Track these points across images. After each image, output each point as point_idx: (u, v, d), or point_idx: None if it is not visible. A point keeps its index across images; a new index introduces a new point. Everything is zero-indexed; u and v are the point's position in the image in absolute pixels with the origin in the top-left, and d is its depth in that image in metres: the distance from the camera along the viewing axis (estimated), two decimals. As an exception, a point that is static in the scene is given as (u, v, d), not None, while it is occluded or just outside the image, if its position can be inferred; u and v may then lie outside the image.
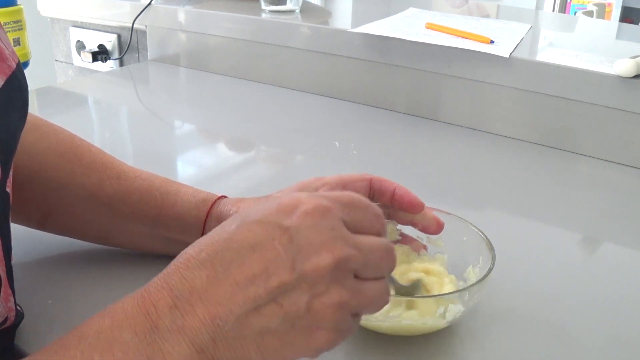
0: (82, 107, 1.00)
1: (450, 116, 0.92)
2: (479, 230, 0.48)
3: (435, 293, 0.46)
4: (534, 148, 0.84)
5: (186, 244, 0.33)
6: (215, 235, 0.32)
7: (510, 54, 0.83)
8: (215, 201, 0.50)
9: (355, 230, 0.33)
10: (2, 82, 0.34)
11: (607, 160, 0.80)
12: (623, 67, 0.75)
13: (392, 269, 0.34)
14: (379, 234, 0.34)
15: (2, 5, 1.01)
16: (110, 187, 0.50)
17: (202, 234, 0.38)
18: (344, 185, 0.45)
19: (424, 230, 0.48)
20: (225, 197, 0.51)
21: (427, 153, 0.84)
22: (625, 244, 0.63)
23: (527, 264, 0.57)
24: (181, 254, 0.32)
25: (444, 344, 0.45)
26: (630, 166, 0.79)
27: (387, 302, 0.34)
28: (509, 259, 0.56)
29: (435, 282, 0.47)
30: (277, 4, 1.09)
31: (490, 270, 0.44)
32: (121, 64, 1.28)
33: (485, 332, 0.47)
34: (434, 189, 0.71)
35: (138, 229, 0.51)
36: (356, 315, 0.32)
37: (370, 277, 0.32)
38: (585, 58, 0.84)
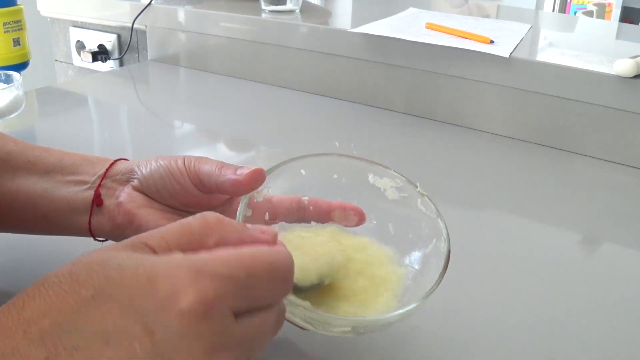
0: (82, 107, 1.00)
1: (450, 116, 0.92)
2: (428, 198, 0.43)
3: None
4: (533, 148, 0.84)
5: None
6: (65, 293, 0.25)
7: (510, 54, 0.83)
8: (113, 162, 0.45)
9: (248, 308, 0.28)
10: None
11: (607, 160, 0.80)
12: (623, 67, 0.75)
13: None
14: (280, 297, 0.30)
15: (2, 5, 1.01)
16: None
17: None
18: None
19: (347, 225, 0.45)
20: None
21: (427, 153, 0.83)
22: (625, 244, 0.63)
23: (527, 263, 0.57)
24: (18, 302, 0.24)
25: (435, 347, 0.45)
26: (630, 166, 0.79)
27: None
28: (509, 259, 0.56)
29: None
30: (277, 4, 1.09)
31: (448, 258, 0.38)
32: (121, 64, 1.28)
33: (484, 331, 0.47)
34: (433, 189, 0.71)
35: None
36: None
37: None
38: (585, 58, 0.84)
